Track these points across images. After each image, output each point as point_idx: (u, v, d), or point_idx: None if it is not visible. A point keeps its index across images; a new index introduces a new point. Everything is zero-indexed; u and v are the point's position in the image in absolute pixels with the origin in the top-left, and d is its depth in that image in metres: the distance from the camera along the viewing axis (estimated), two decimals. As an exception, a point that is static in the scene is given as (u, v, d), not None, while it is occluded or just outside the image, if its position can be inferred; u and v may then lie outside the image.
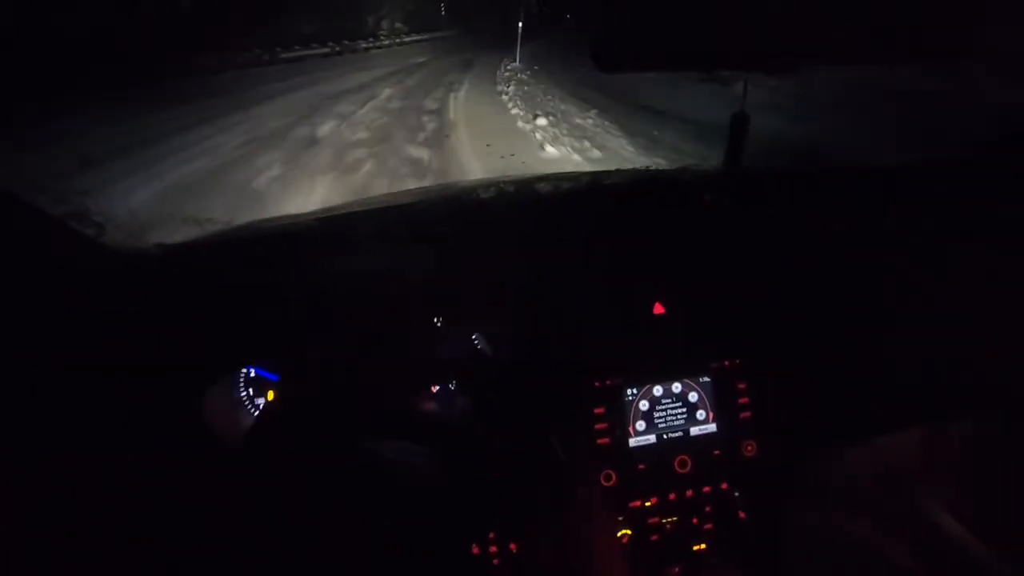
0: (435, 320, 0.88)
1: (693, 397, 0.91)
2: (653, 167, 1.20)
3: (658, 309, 0.91)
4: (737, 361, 0.93)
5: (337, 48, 15.59)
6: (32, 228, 0.69)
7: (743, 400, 0.92)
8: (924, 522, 1.13)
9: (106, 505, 0.74)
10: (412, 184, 4.43)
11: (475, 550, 0.83)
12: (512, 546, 0.84)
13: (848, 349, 0.99)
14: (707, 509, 0.89)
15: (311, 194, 4.32)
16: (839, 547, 1.06)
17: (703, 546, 0.89)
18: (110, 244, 0.78)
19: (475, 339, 0.90)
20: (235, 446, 0.84)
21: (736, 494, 0.90)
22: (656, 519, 0.88)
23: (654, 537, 0.87)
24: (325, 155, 5.55)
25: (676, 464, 0.88)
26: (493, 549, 0.84)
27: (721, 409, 0.92)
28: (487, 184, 1.07)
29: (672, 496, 0.88)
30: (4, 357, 0.67)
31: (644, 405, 0.89)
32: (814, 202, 1.05)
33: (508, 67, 12.13)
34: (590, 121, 6.89)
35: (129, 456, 0.75)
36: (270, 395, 0.90)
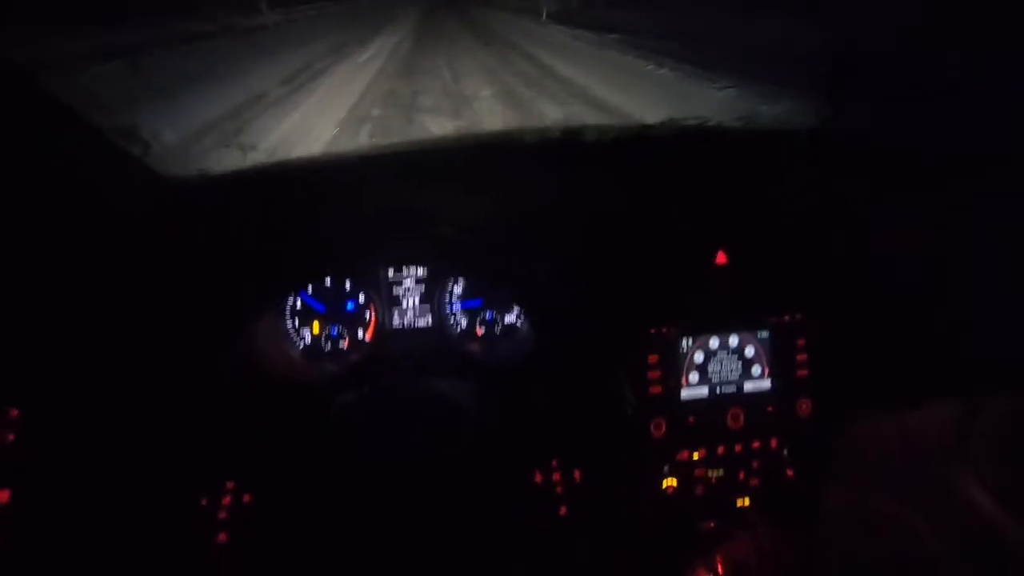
0: (482, 261, 0.85)
1: (749, 351, 0.87)
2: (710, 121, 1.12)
3: (720, 259, 0.86)
4: (798, 316, 0.88)
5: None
6: (80, 141, 0.66)
7: (801, 357, 0.88)
8: (957, 501, 1.11)
9: (149, 438, 0.75)
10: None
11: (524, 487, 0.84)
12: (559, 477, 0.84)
13: (907, 312, 0.93)
14: (754, 465, 0.87)
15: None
16: (871, 520, 1.05)
17: (746, 501, 0.88)
18: (154, 165, 0.76)
19: (530, 278, 0.86)
20: (282, 377, 0.84)
21: (785, 452, 0.88)
22: (702, 471, 0.86)
23: (698, 489, 0.86)
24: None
25: (728, 418, 0.86)
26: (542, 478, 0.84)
27: (777, 365, 0.88)
28: (531, 131, 1.02)
29: (720, 450, 0.86)
30: (46, 270, 0.66)
31: (699, 357, 0.86)
32: (885, 166, 0.97)
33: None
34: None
35: (175, 388, 0.75)
36: (315, 327, 0.89)
